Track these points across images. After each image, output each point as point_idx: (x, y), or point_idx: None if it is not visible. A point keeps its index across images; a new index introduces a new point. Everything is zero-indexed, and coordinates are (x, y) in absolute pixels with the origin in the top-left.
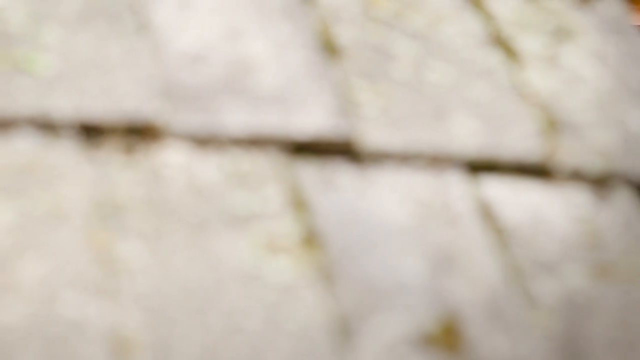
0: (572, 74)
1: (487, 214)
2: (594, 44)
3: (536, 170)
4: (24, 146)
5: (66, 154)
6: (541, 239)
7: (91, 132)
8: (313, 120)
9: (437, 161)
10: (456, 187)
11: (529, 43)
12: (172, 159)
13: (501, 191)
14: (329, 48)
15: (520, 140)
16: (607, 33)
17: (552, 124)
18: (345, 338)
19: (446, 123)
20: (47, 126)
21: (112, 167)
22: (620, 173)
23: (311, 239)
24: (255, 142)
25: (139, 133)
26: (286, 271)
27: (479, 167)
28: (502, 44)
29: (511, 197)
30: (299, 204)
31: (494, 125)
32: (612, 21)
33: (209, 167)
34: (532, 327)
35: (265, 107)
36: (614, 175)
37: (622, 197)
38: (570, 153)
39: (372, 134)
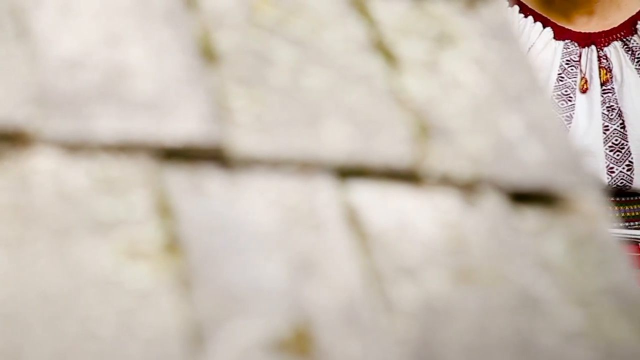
0: (450, 79)
1: (353, 220)
2: (475, 49)
3: (405, 176)
4: None
5: None
6: (405, 244)
7: None
8: (184, 126)
9: (307, 167)
10: (324, 193)
11: (410, 49)
12: (41, 165)
13: (369, 197)
14: (208, 54)
15: (391, 146)
16: (490, 39)
17: (425, 130)
18: (198, 344)
19: (319, 129)
20: None
21: None
22: (489, 178)
23: (173, 246)
24: (125, 149)
25: (9, 140)
26: (145, 278)
27: (349, 172)
28: (383, 50)
29: (379, 202)
30: (164, 210)
31: (366, 131)
32: (495, 27)
33: (78, 174)
34: (386, 332)
35: (138, 113)
36: (483, 180)
37: (490, 203)
38: (440, 158)
39: (243, 140)
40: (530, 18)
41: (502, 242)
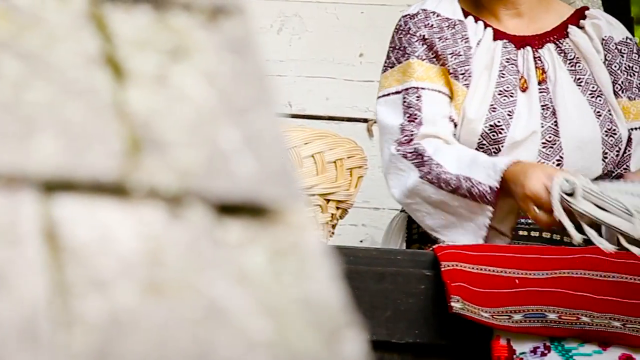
0: (177, 93)
1: (51, 234)
2: (208, 63)
3: (112, 190)
4: None
5: None
6: (103, 257)
7: None
8: None
9: (12, 181)
10: (27, 207)
11: (142, 62)
12: None
13: (73, 211)
14: None
15: (101, 160)
16: (226, 52)
17: (137, 143)
18: None
19: (31, 143)
20: None
21: None
22: (197, 191)
23: None
24: None
25: None
26: None
27: (55, 187)
28: (113, 64)
29: (83, 216)
30: None
31: (78, 145)
32: (235, 40)
33: None
34: (63, 345)
35: None
36: (191, 193)
37: (194, 215)
38: (149, 172)
39: None
40: (471, 18)
41: (201, 254)
